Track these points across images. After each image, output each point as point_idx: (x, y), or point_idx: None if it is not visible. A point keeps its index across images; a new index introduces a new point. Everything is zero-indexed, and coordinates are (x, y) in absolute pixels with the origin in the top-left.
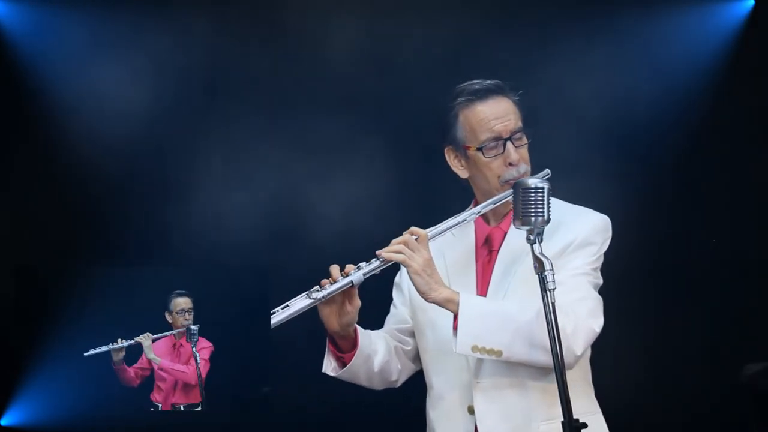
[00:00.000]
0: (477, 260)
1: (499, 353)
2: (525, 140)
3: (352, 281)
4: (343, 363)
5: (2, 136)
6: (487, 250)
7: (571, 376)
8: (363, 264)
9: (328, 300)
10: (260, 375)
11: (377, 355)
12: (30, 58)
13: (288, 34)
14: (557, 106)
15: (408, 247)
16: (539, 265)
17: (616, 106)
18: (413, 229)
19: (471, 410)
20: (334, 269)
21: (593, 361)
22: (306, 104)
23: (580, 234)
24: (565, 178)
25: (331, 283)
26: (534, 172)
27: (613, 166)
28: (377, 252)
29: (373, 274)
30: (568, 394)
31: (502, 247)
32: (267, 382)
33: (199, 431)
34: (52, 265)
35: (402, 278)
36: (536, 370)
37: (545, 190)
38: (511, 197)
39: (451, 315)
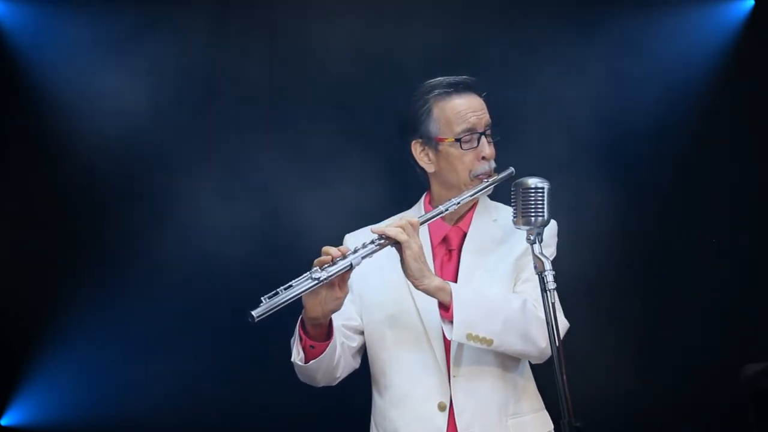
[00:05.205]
0: (434, 258)
1: (490, 342)
2: (493, 137)
3: (351, 264)
4: (311, 353)
5: (1, 135)
6: (444, 248)
7: (526, 375)
8: (359, 246)
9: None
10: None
11: (337, 349)
12: (30, 58)
13: (287, 38)
14: (555, 107)
15: (405, 232)
16: (539, 265)
17: (615, 106)
18: (406, 216)
19: (442, 407)
20: (332, 250)
21: (594, 360)
22: (304, 108)
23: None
24: (565, 179)
25: (330, 264)
26: (498, 170)
27: (612, 167)
28: (373, 230)
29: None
30: (568, 394)
31: (464, 246)
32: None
33: (199, 430)
34: (52, 266)
35: (352, 277)
36: (509, 363)
37: (545, 190)
38: (475, 193)
39: (411, 305)
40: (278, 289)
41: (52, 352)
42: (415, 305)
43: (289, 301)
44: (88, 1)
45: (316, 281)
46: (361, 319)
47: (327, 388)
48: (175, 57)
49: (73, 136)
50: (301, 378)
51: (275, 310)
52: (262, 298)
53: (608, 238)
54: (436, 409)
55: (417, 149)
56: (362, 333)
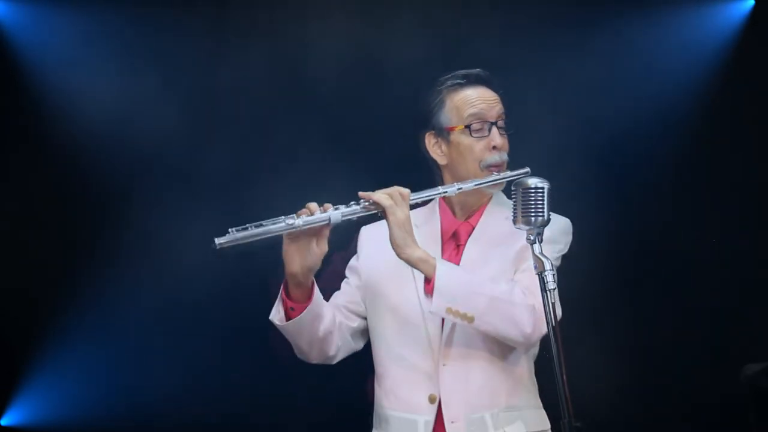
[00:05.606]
0: (443, 253)
1: (471, 319)
2: (506, 130)
3: (329, 218)
4: (292, 315)
5: (1, 135)
6: (454, 244)
7: (521, 370)
8: (342, 206)
9: (296, 236)
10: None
11: (324, 320)
12: (30, 58)
13: (287, 38)
14: (555, 107)
15: (392, 198)
16: (539, 265)
17: (615, 106)
18: (396, 187)
19: (432, 399)
20: (312, 205)
21: (594, 360)
22: (304, 108)
23: (546, 231)
24: (564, 178)
25: (308, 215)
26: (513, 168)
27: (612, 167)
28: (360, 194)
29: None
30: (568, 394)
31: (470, 239)
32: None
33: (199, 430)
34: (52, 266)
35: (360, 262)
36: (503, 354)
37: (545, 190)
38: (485, 183)
39: (413, 294)
40: (247, 225)
41: (52, 352)
42: (418, 295)
43: (257, 238)
44: (89, 1)
45: (287, 226)
46: (365, 307)
47: (327, 388)
48: (175, 57)
49: (73, 136)
50: (296, 351)
51: (241, 243)
52: (229, 230)
53: (608, 238)
54: (425, 398)
55: (430, 141)
56: (364, 318)
